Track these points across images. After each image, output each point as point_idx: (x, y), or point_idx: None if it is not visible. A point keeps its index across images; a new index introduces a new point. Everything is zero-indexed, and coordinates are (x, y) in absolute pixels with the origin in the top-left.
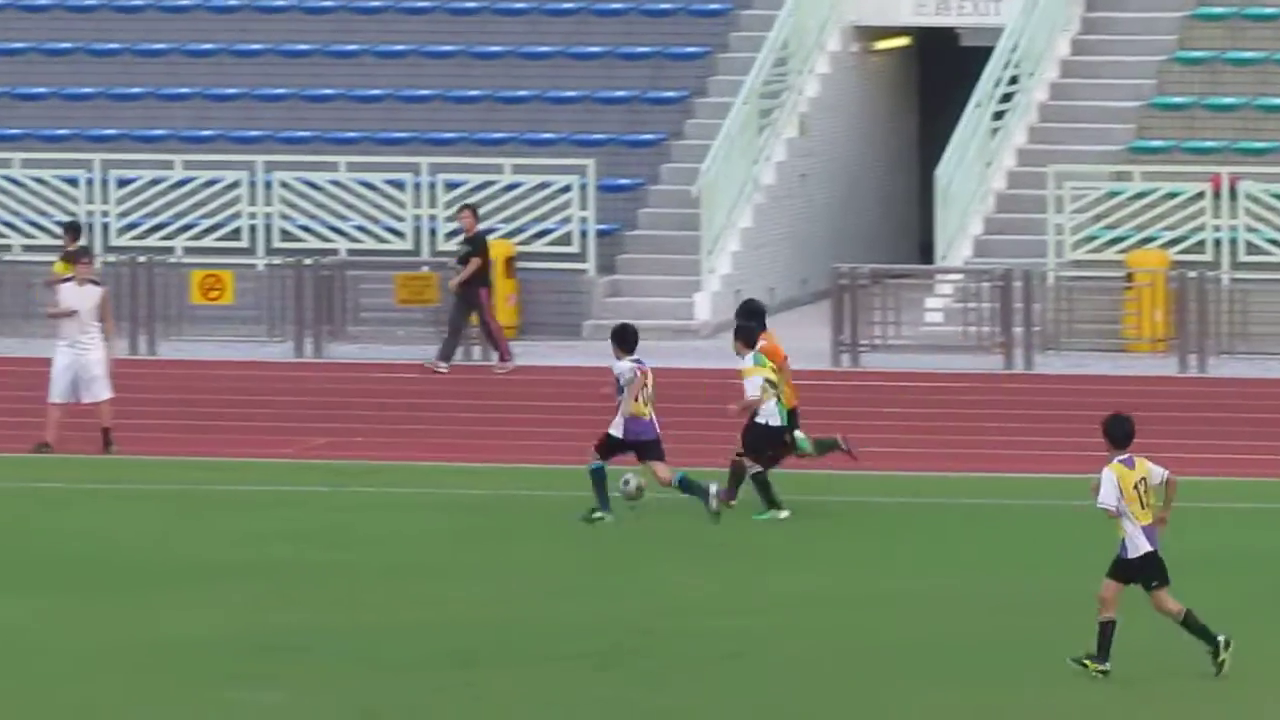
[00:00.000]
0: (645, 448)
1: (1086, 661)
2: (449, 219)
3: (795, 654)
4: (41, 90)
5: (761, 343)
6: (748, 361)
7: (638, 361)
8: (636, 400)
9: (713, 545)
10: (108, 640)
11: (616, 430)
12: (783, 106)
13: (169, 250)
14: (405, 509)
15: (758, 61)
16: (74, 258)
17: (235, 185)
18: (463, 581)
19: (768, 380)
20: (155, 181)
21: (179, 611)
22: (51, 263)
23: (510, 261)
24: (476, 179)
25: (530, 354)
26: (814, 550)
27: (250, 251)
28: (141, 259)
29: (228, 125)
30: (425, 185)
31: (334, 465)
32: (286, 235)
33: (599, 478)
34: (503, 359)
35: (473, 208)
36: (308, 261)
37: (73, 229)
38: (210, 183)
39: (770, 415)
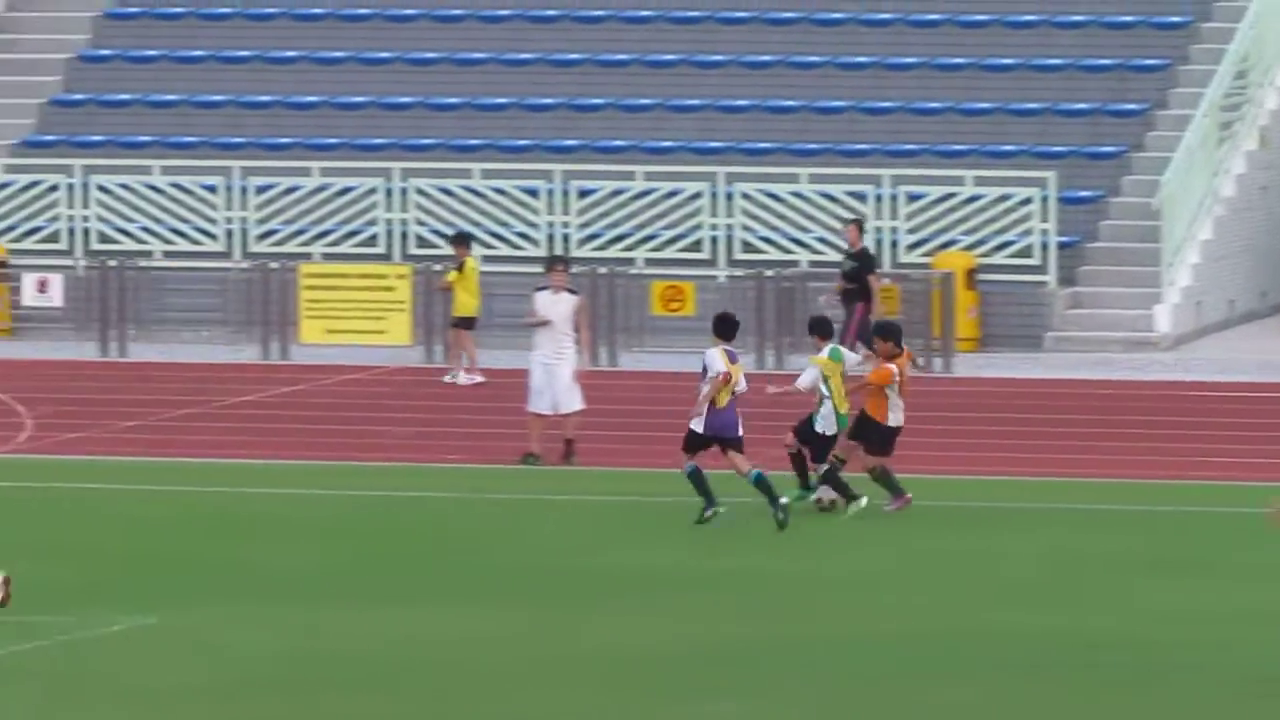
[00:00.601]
0: (727, 441)
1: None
2: (909, 231)
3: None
4: (502, 101)
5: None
6: (822, 353)
7: (729, 353)
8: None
9: (1178, 561)
10: (563, 651)
11: (698, 425)
12: (1243, 119)
13: (630, 261)
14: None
15: (1218, 74)
16: (550, 266)
17: (697, 196)
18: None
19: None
20: (616, 192)
21: (630, 621)
22: (510, 274)
23: (971, 274)
24: (937, 190)
25: (991, 366)
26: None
27: (711, 263)
28: (603, 270)
29: (689, 136)
30: (886, 197)
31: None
32: (748, 247)
33: (697, 478)
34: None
35: (858, 222)
36: (769, 273)
37: (461, 239)
38: (672, 194)
39: (826, 424)
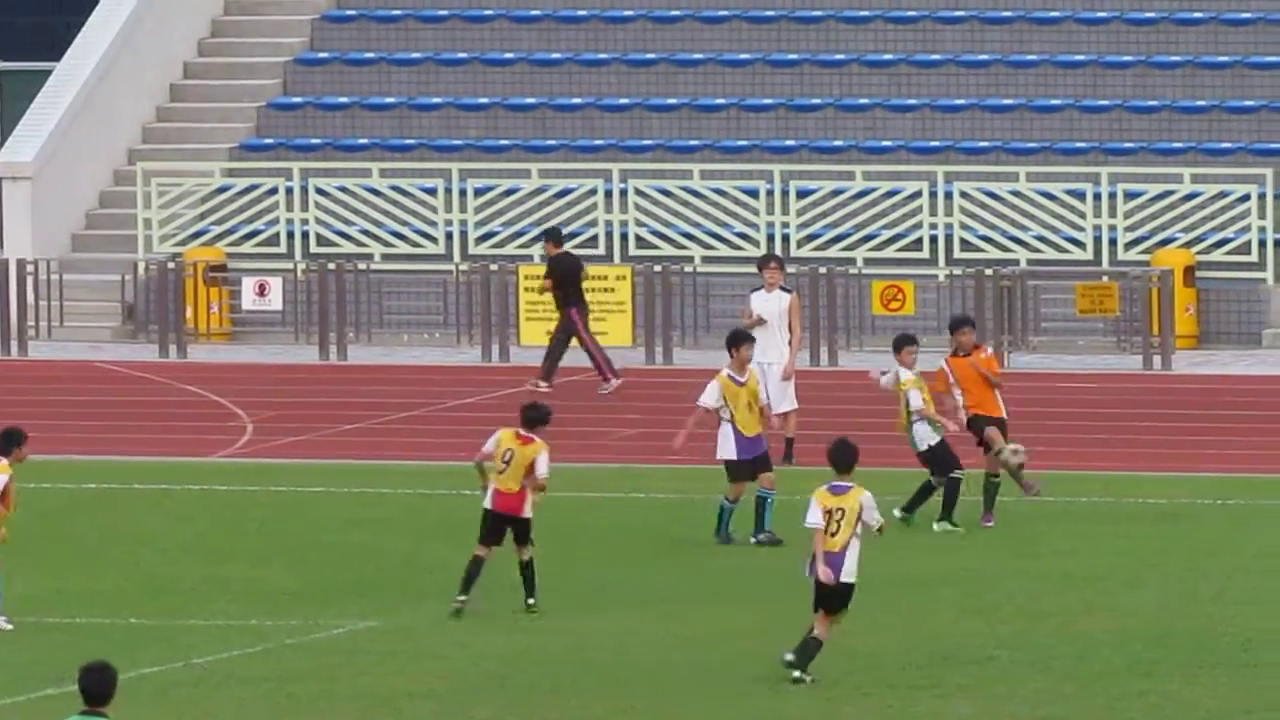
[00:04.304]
0: (758, 462)
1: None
2: (1127, 229)
3: None
4: (721, 101)
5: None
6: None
7: (732, 377)
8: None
9: None
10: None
11: (727, 452)
12: None
13: (849, 261)
14: (1086, 518)
15: None
16: (763, 264)
17: (916, 195)
18: (1137, 590)
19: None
20: (836, 192)
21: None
22: (728, 274)
23: (1189, 271)
24: (1155, 188)
25: (1210, 363)
26: None
27: (931, 262)
28: (822, 270)
29: (907, 136)
30: (1105, 195)
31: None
32: (967, 245)
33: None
34: (604, 378)
35: (552, 233)
36: (988, 272)
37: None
38: (891, 193)
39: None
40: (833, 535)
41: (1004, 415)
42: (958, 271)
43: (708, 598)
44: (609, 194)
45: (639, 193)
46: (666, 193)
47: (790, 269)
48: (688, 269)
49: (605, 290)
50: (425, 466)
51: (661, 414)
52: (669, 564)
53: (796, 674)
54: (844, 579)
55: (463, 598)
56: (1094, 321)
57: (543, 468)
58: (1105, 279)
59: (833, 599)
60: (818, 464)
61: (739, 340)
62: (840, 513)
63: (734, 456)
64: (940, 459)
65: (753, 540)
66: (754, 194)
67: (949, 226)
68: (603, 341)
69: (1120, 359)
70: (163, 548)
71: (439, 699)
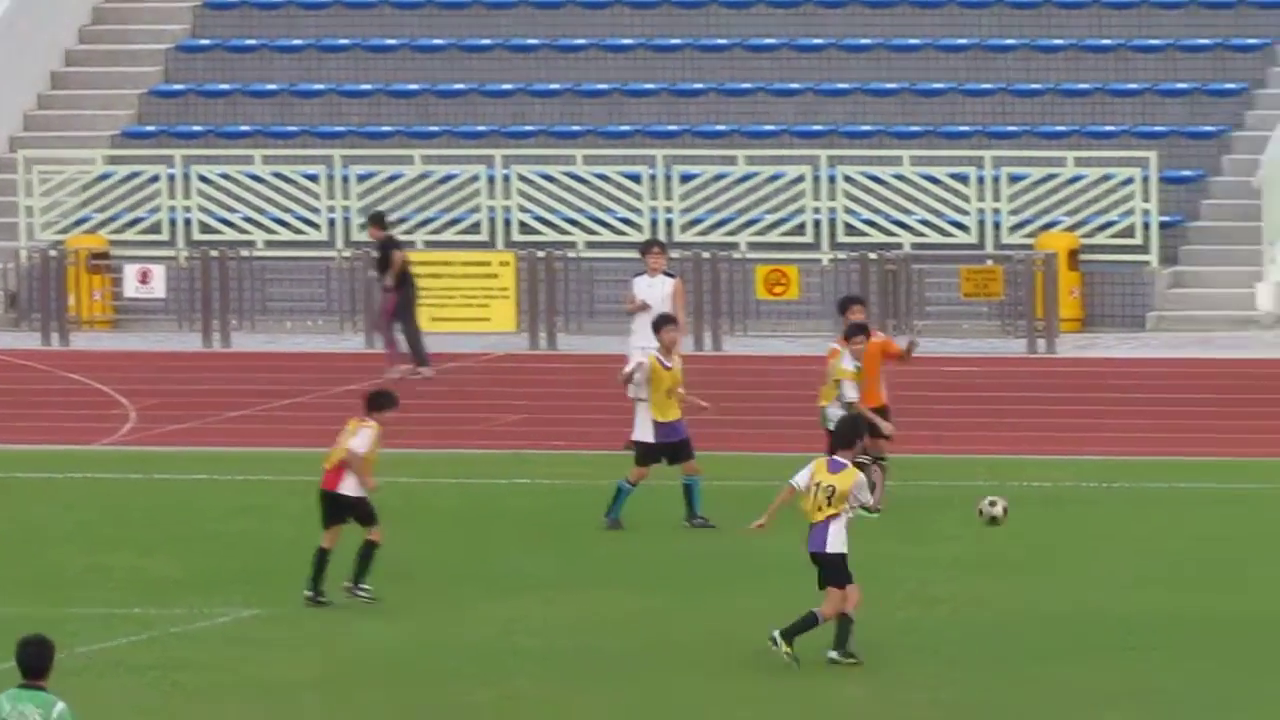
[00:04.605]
0: (678, 450)
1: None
2: (1011, 212)
3: None
4: (604, 87)
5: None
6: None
7: (660, 361)
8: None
9: None
10: (677, 635)
11: (642, 434)
12: None
13: (733, 246)
14: (972, 503)
15: None
16: (646, 249)
17: (799, 180)
18: (1024, 575)
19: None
20: (719, 177)
21: (743, 604)
22: (611, 259)
23: (1073, 254)
24: (1039, 172)
25: (1095, 346)
26: None
27: (815, 246)
28: (706, 255)
29: (790, 120)
30: (988, 178)
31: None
32: (851, 230)
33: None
34: (389, 363)
35: (377, 217)
36: (873, 256)
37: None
38: (774, 178)
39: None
40: (819, 509)
41: (885, 403)
42: (842, 256)
43: (593, 582)
44: (491, 180)
45: (522, 178)
46: (549, 178)
47: (674, 254)
48: (571, 254)
49: (489, 276)
50: (310, 453)
51: (545, 399)
52: (554, 549)
53: (782, 646)
54: (830, 549)
55: (309, 593)
56: (978, 305)
57: (356, 442)
58: (989, 262)
59: (823, 569)
60: (705, 449)
61: (663, 323)
62: (831, 489)
63: (650, 439)
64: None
65: (690, 524)
66: (637, 179)
67: (833, 211)
68: (487, 328)
69: (1005, 342)
70: (46, 537)
71: (324, 686)
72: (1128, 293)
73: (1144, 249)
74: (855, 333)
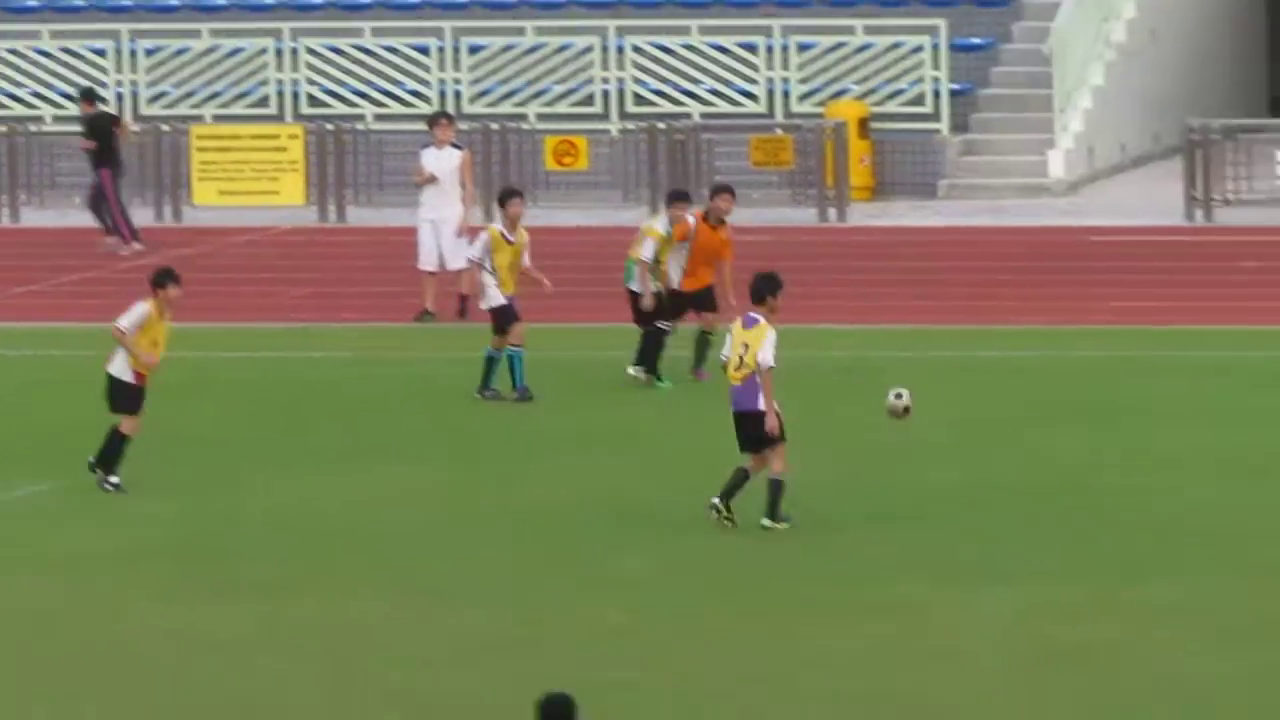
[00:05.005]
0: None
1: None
2: (801, 81)
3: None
4: None
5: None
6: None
7: (503, 234)
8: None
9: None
10: (469, 507)
11: (494, 300)
12: None
13: (522, 117)
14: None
15: None
16: (434, 122)
17: (588, 50)
18: (816, 443)
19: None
20: (507, 48)
21: (532, 477)
22: (400, 132)
23: (864, 123)
24: (829, 40)
25: (885, 215)
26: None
27: (604, 117)
28: (494, 126)
29: None
30: (777, 47)
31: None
32: (640, 100)
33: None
34: (125, 240)
35: (86, 92)
36: (661, 126)
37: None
38: (562, 48)
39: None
40: (737, 368)
41: (712, 283)
42: (630, 126)
43: (387, 456)
44: (280, 53)
45: (310, 51)
46: (337, 51)
47: (463, 126)
48: (360, 127)
49: (277, 150)
50: (99, 329)
51: (335, 273)
52: (347, 423)
53: (720, 509)
54: (761, 407)
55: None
56: (768, 174)
57: (124, 319)
58: (779, 131)
59: (745, 428)
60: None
61: (508, 196)
62: (745, 347)
63: (503, 302)
64: (651, 311)
65: (480, 395)
66: (425, 51)
67: (621, 81)
68: (276, 202)
69: (795, 211)
70: None
71: (115, 560)
72: (918, 161)
73: (934, 117)
74: (677, 198)
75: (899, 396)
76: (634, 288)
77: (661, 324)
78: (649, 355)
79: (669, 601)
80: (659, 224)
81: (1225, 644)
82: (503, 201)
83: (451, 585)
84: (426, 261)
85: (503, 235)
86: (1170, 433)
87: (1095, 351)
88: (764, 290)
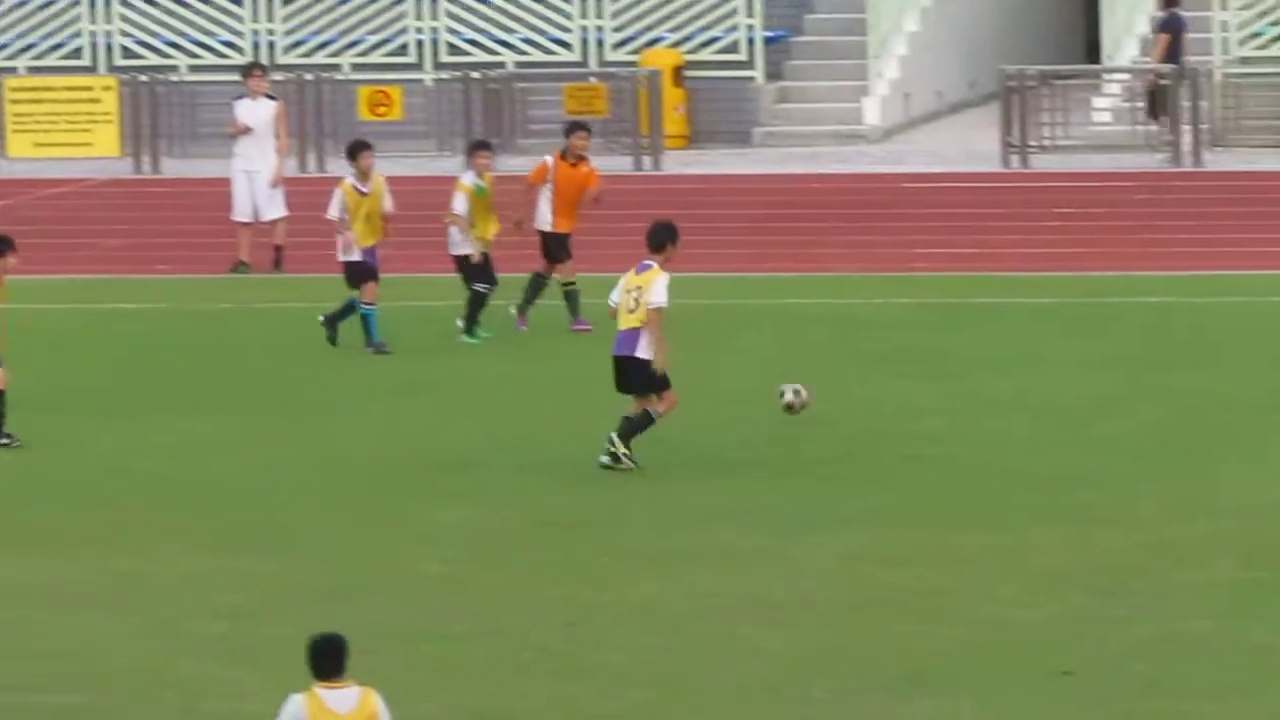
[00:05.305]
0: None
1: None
2: (615, 29)
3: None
4: None
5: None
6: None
7: (355, 187)
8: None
9: (919, 355)
10: (285, 457)
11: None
12: None
13: (336, 67)
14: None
15: None
16: (248, 72)
17: (400, 0)
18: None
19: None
20: None
21: (347, 427)
22: (214, 83)
23: (678, 71)
24: None
25: (700, 163)
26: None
27: (418, 67)
28: (309, 76)
29: None
30: None
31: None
32: (454, 49)
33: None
34: None
35: None
36: (475, 75)
37: None
38: None
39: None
40: (630, 312)
41: (569, 230)
42: (445, 76)
43: (210, 408)
44: (93, 5)
45: (123, 2)
46: (151, 2)
47: (277, 77)
48: (174, 78)
49: (91, 101)
50: None
51: (151, 223)
52: (165, 374)
53: (607, 457)
54: (639, 354)
55: None
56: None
57: None
58: (593, 80)
59: (627, 375)
60: (307, 270)
61: (358, 149)
62: (638, 291)
63: (356, 258)
64: (474, 270)
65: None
66: (239, 2)
67: (435, 31)
68: (90, 153)
69: (610, 160)
70: None
71: None
72: (733, 109)
73: (749, 65)
74: (476, 148)
75: (797, 394)
76: (454, 252)
77: (480, 286)
78: (471, 314)
79: (487, 551)
80: (466, 178)
81: (1044, 590)
82: (353, 154)
83: (271, 536)
84: (241, 213)
85: (355, 188)
86: (988, 379)
87: (912, 299)
88: (664, 238)
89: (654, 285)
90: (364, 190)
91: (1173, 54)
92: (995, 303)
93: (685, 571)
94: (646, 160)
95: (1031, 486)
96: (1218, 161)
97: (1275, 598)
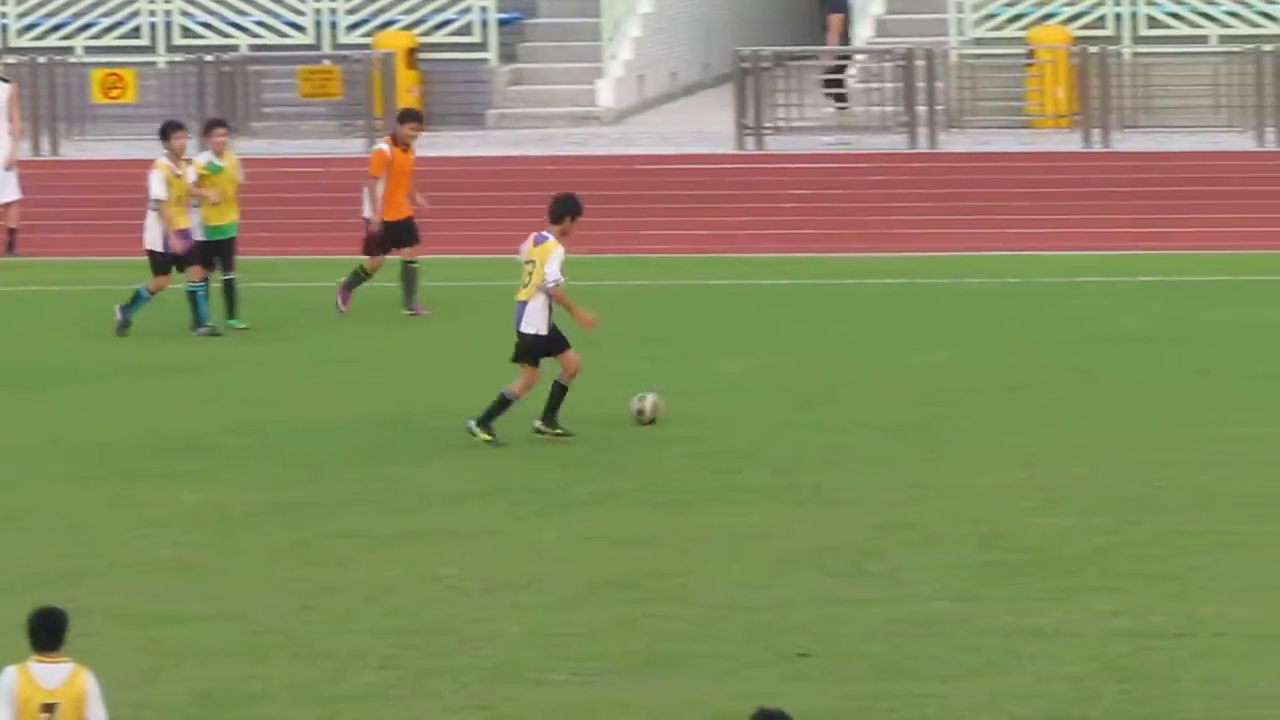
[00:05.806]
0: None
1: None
2: (349, 11)
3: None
4: None
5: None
6: None
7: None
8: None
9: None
10: (19, 439)
11: (152, 243)
12: None
13: (69, 50)
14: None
15: None
16: None
17: None
18: (383, 373)
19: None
20: None
21: (87, 409)
22: None
23: (412, 53)
24: None
25: (434, 145)
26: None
27: (151, 49)
28: (42, 59)
29: None
30: None
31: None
32: (188, 32)
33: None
34: None
35: None
36: (209, 58)
37: None
38: None
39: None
40: (524, 286)
41: (412, 214)
42: (178, 58)
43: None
44: None
45: None
46: None
47: (9, 59)
48: None
49: None
50: None
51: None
52: None
53: (479, 434)
54: (523, 329)
55: None
56: (317, 105)
57: None
58: (327, 63)
59: (516, 348)
60: (42, 253)
61: (170, 130)
62: (532, 264)
63: (159, 248)
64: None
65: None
66: None
67: (169, 13)
68: None
69: (344, 143)
70: None
71: None
72: (467, 91)
73: (483, 47)
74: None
75: (642, 399)
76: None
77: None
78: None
79: (220, 533)
80: (201, 157)
81: (780, 571)
82: (165, 134)
83: (1, 518)
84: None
85: (171, 170)
86: (724, 361)
87: (646, 281)
88: (563, 211)
89: (549, 260)
90: (179, 172)
91: (845, 35)
92: (727, 284)
93: (423, 554)
94: (361, 142)
95: (766, 467)
96: (953, 142)
97: (1013, 579)
